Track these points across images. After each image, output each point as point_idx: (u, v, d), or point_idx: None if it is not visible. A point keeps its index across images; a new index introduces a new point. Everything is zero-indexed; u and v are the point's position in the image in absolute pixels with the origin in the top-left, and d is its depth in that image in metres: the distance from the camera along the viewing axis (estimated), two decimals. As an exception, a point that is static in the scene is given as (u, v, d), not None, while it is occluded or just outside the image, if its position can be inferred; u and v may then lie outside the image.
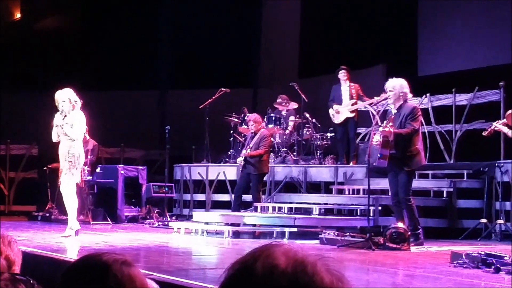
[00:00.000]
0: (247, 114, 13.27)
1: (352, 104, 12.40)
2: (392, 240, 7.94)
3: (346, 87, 12.52)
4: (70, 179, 8.77)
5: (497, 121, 9.32)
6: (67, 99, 8.78)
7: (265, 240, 9.42)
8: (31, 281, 1.87)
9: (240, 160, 11.36)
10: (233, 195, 11.49)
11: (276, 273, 1.30)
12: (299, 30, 17.19)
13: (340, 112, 12.49)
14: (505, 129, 8.85)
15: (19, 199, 14.57)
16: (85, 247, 7.97)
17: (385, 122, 8.36)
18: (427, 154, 11.34)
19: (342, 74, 12.50)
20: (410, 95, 8.53)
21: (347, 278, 1.34)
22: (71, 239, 8.68)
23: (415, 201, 8.63)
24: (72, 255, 7.11)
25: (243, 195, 11.46)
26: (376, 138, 8.24)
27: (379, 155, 8.15)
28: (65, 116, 8.78)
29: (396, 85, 8.36)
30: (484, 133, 9.02)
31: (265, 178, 12.68)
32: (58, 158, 9.01)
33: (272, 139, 11.76)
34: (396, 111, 8.36)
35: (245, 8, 17.85)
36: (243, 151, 11.31)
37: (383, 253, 7.65)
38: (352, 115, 12.44)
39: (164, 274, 5.40)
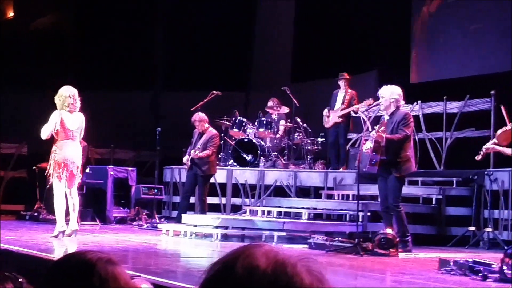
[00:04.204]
0: (238, 117, 13.29)
1: (341, 110, 12.47)
2: (380, 246, 7.94)
3: (342, 93, 12.60)
4: (54, 180, 8.82)
5: (486, 144, 9.29)
6: (62, 97, 8.80)
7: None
8: (19, 279, 1.85)
9: (186, 159, 11.31)
10: (202, 199, 11.36)
11: (256, 274, 1.29)
12: (293, 34, 17.21)
13: (330, 117, 12.57)
14: (499, 148, 8.85)
15: (8, 198, 14.50)
16: (72, 247, 7.93)
17: (376, 126, 8.39)
18: (417, 161, 11.36)
19: (341, 81, 12.59)
20: (402, 102, 8.56)
21: (328, 279, 1.34)
22: (59, 239, 8.66)
23: (404, 208, 8.64)
24: (59, 255, 7.08)
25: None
26: (367, 145, 8.25)
27: (372, 161, 8.14)
28: None
29: (387, 92, 8.40)
30: (477, 158, 8.99)
31: (254, 182, 12.71)
32: (47, 157, 9.02)
33: (219, 139, 11.72)
34: (388, 117, 8.39)
35: (239, 11, 17.85)
36: (191, 152, 11.25)
37: (371, 259, 7.66)
38: (339, 120, 12.48)
39: (152, 276, 5.38)
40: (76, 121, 8.90)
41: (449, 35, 13.62)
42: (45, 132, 8.78)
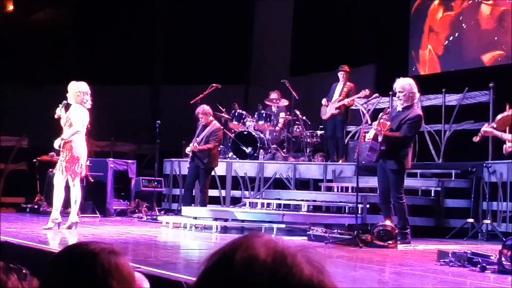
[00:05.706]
0: (238, 110, 13.31)
1: (338, 101, 12.51)
2: (379, 238, 7.98)
3: (340, 86, 12.63)
4: (58, 172, 8.90)
5: (485, 126, 9.28)
6: (81, 92, 8.86)
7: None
8: (23, 271, 1.87)
9: (188, 150, 11.31)
10: (203, 190, 11.38)
11: (256, 264, 1.28)
12: (292, 27, 17.19)
13: (327, 108, 12.61)
14: (497, 133, 8.84)
15: (8, 190, 14.51)
16: (73, 239, 7.97)
17: (380, 113, 8.39)
18: (416, 154, 11.37)
19: (340, 74, 12.61)
20: (417, 95, 8.49)
21: (328, 270, 1.33)
22: (55, 231, 8.72)
23: (407, 200, 8.65)
24: (60, 247, 7.11)
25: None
26: (370, 134, 8.24)
27: (372, 148, 8.12)
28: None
29: (406, 85, 8.30)
30: (475, 139, 9.00)
31: (253, 174, 12.73)
32: (47, 150, 9.08)
33: (222, 132, 11.72)
34: (401, 109, 8.32)
35: (238, 4, 17.84)
36: (191, 144, 11.26)
37: (370, 251, 7.69)
38: (336, 111, 12.51)
39: (151, 267, 5.42)
40: (88, 117, 8.98)
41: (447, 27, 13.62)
42: (82, 127, 8.83)
